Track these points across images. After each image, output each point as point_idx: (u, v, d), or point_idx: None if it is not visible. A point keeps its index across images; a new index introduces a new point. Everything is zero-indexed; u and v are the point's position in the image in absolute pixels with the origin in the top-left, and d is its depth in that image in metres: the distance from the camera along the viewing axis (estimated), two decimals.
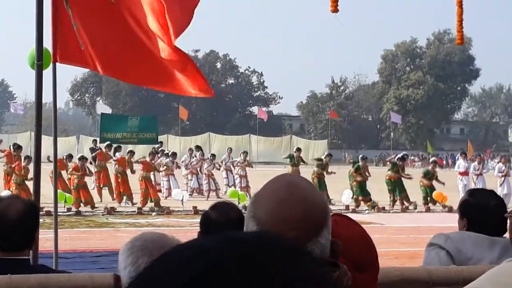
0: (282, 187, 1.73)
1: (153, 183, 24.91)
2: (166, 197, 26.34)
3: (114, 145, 25.26)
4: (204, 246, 0.87)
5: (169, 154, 29.09)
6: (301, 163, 28.95)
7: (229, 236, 0.89)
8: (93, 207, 22.18)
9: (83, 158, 23.80)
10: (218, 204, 3.94)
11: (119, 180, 24.38)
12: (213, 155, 31.04)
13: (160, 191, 28.20)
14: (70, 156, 24.69)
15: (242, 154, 30.67)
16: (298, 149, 30.55)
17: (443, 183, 25.17)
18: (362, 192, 24.94)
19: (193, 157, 29.97)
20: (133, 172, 24.91)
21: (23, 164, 21.91)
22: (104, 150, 26.16)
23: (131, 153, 25.54)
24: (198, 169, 29.32)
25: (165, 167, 27.34)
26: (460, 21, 6.19)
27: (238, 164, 29.64)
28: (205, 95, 6.86)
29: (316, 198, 1.74)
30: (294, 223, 1.67)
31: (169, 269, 0.85)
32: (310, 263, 0.87)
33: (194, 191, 28.94)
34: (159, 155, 27.97)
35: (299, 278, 0.84)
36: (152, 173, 25.28)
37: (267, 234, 0.91)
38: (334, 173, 27.21)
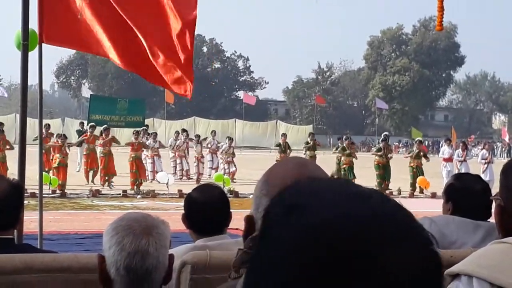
0: (293, 167, 1.79)
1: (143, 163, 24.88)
2: (152, 180, 26.30)
3: (102, 127, 25.03)
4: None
5: (151, 135, 28.86)
6: (288, 149, 29.04)
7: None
8: (63, 192, 21.95)
9: (64, 137, 23.67)
10: (200, 185, 4.02)
11: (105, 161, 24.10)
12: (198, 136, 30.93)
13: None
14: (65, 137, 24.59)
15: (227, 140, 30.58)
16: (283, 135, 30.70)
17: (428, 159, 25.92)
18: (350, 176, 25.27)
19: (178, 140, 29.82)
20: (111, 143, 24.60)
21: None
22: (89, 132, 25.89)
23: (107, 130, 25.06)
24: (186, 151, 29.24)
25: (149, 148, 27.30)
26: (441, 6, 6.14)
27: (224, 150, 29.61)
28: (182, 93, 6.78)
29: (324, 175, 1.79)
30: None
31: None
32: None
33: (183, 174, 28.83)
34: (141, 135, 27.78)
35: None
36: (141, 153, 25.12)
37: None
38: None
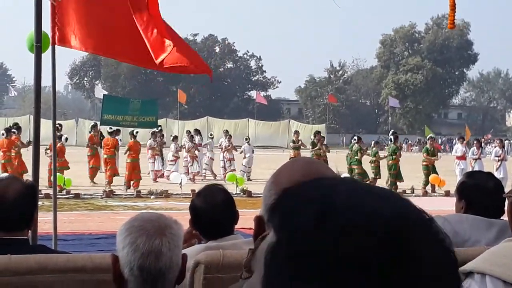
0: (301, 166, 1.80)
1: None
2: (154, 180, 26.31)
3: (114, 128, 25.13)
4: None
5: (151, 134, 28.57)
6: (301, 146, 29.10)
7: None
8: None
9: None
10: (202, 189, 3.95)
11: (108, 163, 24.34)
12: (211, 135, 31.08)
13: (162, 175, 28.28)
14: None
15: (225, 136, 30.49)
16: (296, 132, 30.71)
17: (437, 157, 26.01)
18: (363, 175, 25.34)
19: (192, 141, 29.91)
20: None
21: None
22: (92, 133, 26.40)
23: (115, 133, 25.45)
24: (196, 152, 29.29)
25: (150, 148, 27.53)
26: (453, 4, 6.11)
27: (224, 147, 29.54)
28: (202, 73, 6.91)
29: (333, 174, 1.80)
30: None
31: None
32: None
33: (194, 175, 28.86)
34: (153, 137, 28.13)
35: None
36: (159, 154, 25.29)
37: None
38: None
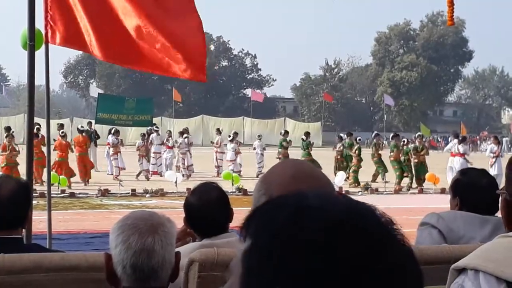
0: (290, 166, 1.83)
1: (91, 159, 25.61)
2: (116, 176, 26.00)
3: (112, 128, 25.28)
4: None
5: (112, 132, 28.20)
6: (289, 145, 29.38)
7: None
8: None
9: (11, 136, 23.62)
10: (197, 187, 3.94)
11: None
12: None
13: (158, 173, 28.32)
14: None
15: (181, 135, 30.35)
16: (286, 132, 30.91)
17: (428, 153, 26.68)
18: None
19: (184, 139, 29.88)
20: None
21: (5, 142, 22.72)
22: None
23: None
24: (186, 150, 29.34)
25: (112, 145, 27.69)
26: (451, 1, 6.11)
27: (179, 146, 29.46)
28: (196, 79, 6.89)
29: (321, 174, 1.83)
30: None
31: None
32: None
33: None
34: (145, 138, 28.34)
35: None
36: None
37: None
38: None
